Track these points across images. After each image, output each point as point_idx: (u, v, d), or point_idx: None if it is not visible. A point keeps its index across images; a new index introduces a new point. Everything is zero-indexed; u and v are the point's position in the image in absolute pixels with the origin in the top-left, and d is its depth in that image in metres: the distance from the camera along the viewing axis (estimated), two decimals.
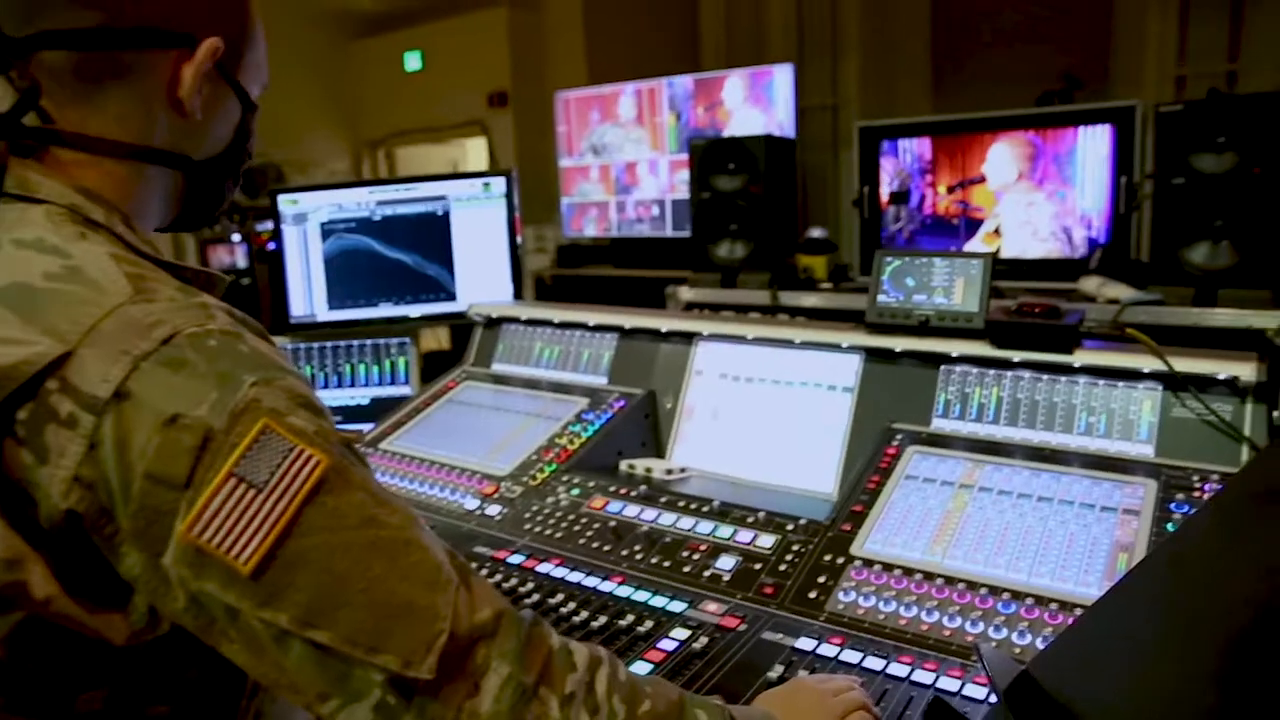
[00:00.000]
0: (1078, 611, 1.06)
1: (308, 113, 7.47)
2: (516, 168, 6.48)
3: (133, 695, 0.66)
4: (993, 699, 0.93)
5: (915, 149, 2.89)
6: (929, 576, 1.16)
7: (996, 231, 2.92)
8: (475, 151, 7.97)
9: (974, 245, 2.93)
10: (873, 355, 1.55)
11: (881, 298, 1.56)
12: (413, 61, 7.28)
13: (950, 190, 2.89)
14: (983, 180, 2.88)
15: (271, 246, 4.94)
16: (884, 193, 2.93)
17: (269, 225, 5.67)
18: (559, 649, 0.69)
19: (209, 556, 0.58)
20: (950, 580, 1.15)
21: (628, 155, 5.23)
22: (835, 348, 1.58)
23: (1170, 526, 1.16)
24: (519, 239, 2.20)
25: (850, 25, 5.21)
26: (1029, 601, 1.09)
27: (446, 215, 2.17)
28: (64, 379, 0.58)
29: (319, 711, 0.61)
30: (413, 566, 0.63)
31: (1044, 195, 2.78)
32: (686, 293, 3.03)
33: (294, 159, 7.37)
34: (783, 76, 4.65)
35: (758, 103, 4.77)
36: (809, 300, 2.83)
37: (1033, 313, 1.42)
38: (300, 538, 0.59)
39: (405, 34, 7.28)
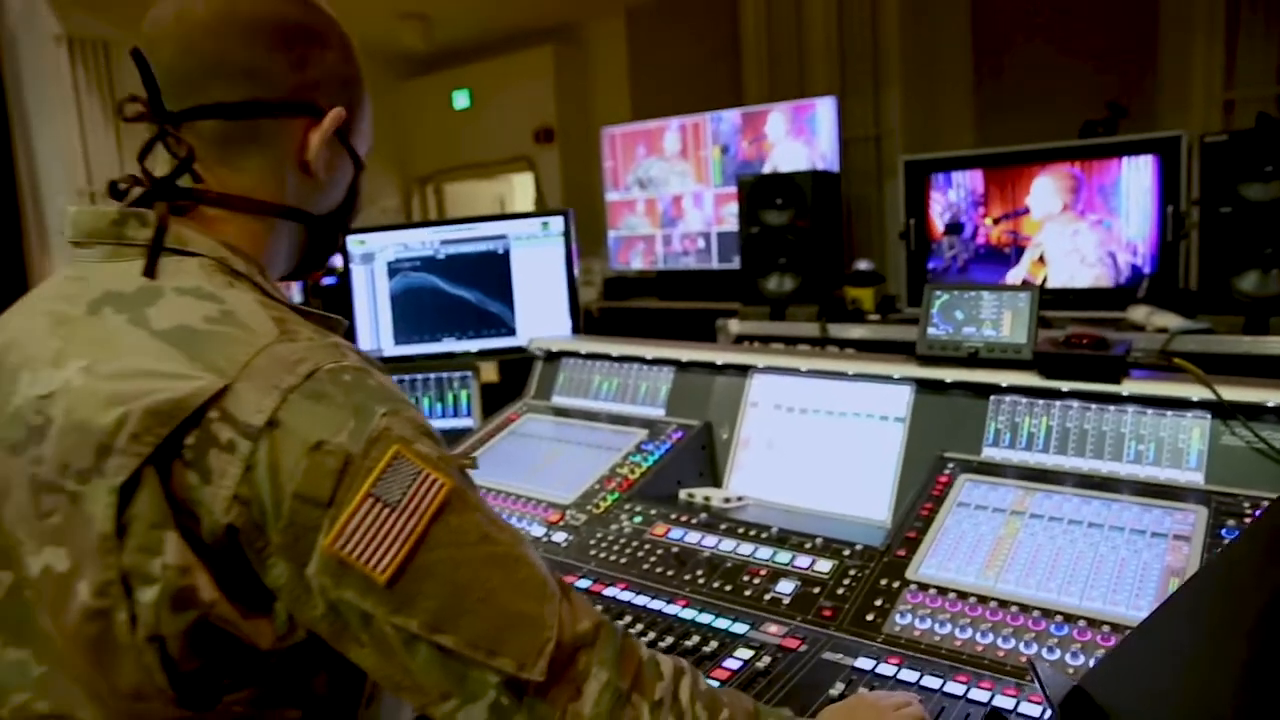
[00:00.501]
0: (1127, 633, 1.09)
1: None
2: (563, 202, 6.62)
3: (271, 698, 0.74)
4: (1048, 715, 0.98)
5: (967, 183, 2.94)
6: (983, 600, 1.20)
7: (1041, 260, 2.94)
8: (522, 187, 8.15)
9: (1019, 274, 2.96)
10: (923, 386, 1.60)
11: (931, 330, 1.61)
12: (461, 100, 7.48)
13: (997, 221, 2.93)
14: (1027, 211, 2.91)
15: (328, 282, 5.13)
16: (938, 224, 2.98)
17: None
18: (648, 659, 0.76)
19: (349, 567, 0.65)
20: (1004, 603, 1.19)
21: (673, 189, 5.33)
22: (887, 379, 1.64)
23: None
24: (575, 275, 2.29)
25: (892, 57, 5.27)
26: (1081, 624, 1.13)
27: (507, 253, 2.27)
28: (224, 409, 0.66)
29: (439, 711, 0.69)
30: (523, 580, 0.70)
31: (1088, 224, 2.81)
32: (736, 325, 3.09)
33: None
34: (825, 109, 4.73)
35: (800, 135, 4.85)
36: (857, 332, 2.88)
37: (1080, 344, 1.46)
38: (428, 552, 0.67)
39: (453, 73, 7.49)
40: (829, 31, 5.38)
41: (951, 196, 2.97)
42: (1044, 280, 2.90)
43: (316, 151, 0.81)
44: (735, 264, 4.97)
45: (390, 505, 0.66)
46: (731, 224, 5.08)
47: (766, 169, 4.81)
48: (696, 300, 4.92)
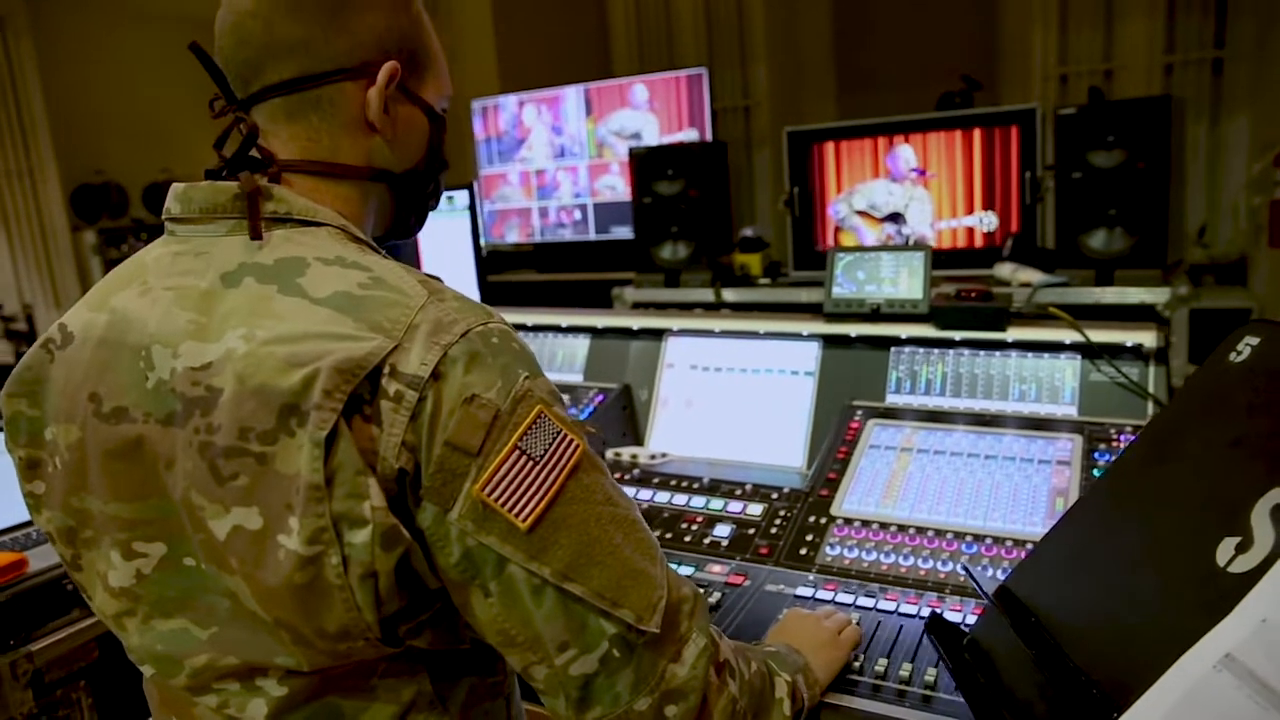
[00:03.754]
0: (1028, 545, 1.26)
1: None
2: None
3: (441, 639, 0.78)
4: (970, 619, 1.12)
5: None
6: (901, 528, 1.34)
7: (902, 218, 3.18)
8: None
9: (893, 230, 3.19)
10: (830, 341, 1.73)
11: (836, 289, 1.74)
12: None
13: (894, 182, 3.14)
14: (897, 176, 3.13)
15: None
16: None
17: None
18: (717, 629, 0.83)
19: (494, 513, 0.69)
20: (920, 529, 1.33)
21: (546, 161, 5.35)
22: (797, 336, 1.76)
23: (1096, 472, 1.37)
24: (482, 247, 2.31)
25: (758, 30, 5.45)
26: (988, 541, 1.29)
27: None
28: (394, 366, 0.69)
29: (548, 664, 0.73)
30: (640, 541, 0.76)
31: (947, 188, 3.04)
32: (632, 293, 3.18)
33: None
34: (696, 80, 4.85)
35: (670, 105, 4.96)
36: (750, 295, 3.02)
37: (970, 297, 1.62)
38: (565, 505, 0.72)
39: None
40: (696, 4, 5.51)
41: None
42: (912, 241, 3.13)
43: (377, 109, 0.81)
44: (614, 234, 5.06)
45: (534, 459, 0.71)
46: (606, 195, 5.15)
47: (625, 140, 4.89)
48: (576, 272, 4.98)
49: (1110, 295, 2.41)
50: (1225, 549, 0.76)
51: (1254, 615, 0.69)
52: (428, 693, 0.80)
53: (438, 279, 0.81)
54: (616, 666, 0.73)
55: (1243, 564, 0.74)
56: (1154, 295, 2.35)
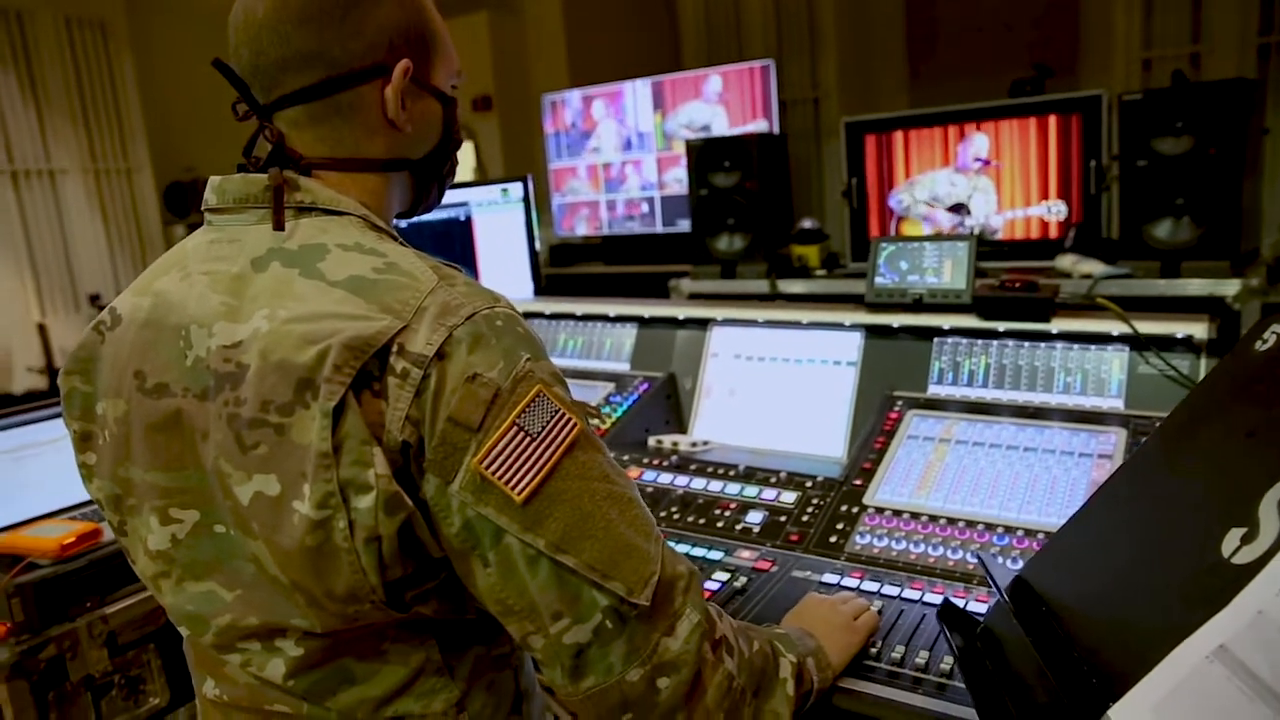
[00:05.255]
0: None
1: None
2: (504, 171, 6.63)
3: (445, 609, 0.83)
4: (994, 603, 1.11)
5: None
6: (933, 518, 1.34)
7: (965, 208, 3.11)
8: (461, 156, 8.09)
9: (956, 220, 3.13)
10: (872, 332, 1.73)
11: (879, 279, 1.74)
12: None
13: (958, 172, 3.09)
14: (962, 166, 3.07)
15: None
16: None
17: None
18: (713, 606, 0.86)
19: (491, 485, 0.73)
20: (952, 520, 1.33)
21: (615, 154, 5.39)
22: (839, 326, 1.76)
23: None
24: (536, 238, 2.36)
25: (827, 21, 5.39)
26: (1020, 533, 1.27)
27: (469, 220, 2.33)
28: (401, 344, 0.74)
29: (545, 634, 0.76)
30: (635, 517, 0.79)
31: (1012, 178, 2.97)
32: (688, 285, 3.20)
33: None
34: (764, 72, 4.83)
35: (741, 98, 4.94)
36: (805, 287, 3.01)
37: (1014, 288, 1.60)
38: (560, 480, 0.75)
39: None
40: None
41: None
42: (977, 232, 3.07)
43: (394, 107, 0.85)
44: (680, 227, 5.07)
45: (531, 435, 0.74)
46: (674, 188, 5.17)
47: (699, 132, 4.89)
48: (643, 264, 5.01)
49: (1175, 287, 2.33)
50: (1231, 540, 0.75)
51: (1250, 607, 0.68)
52: (436, 660, 0.84)
53: (455, 267, 0.85)
54: (609, 637, 0.76)
55: (1246, 555, 0.73)
56: (1222, 287, 2.26)
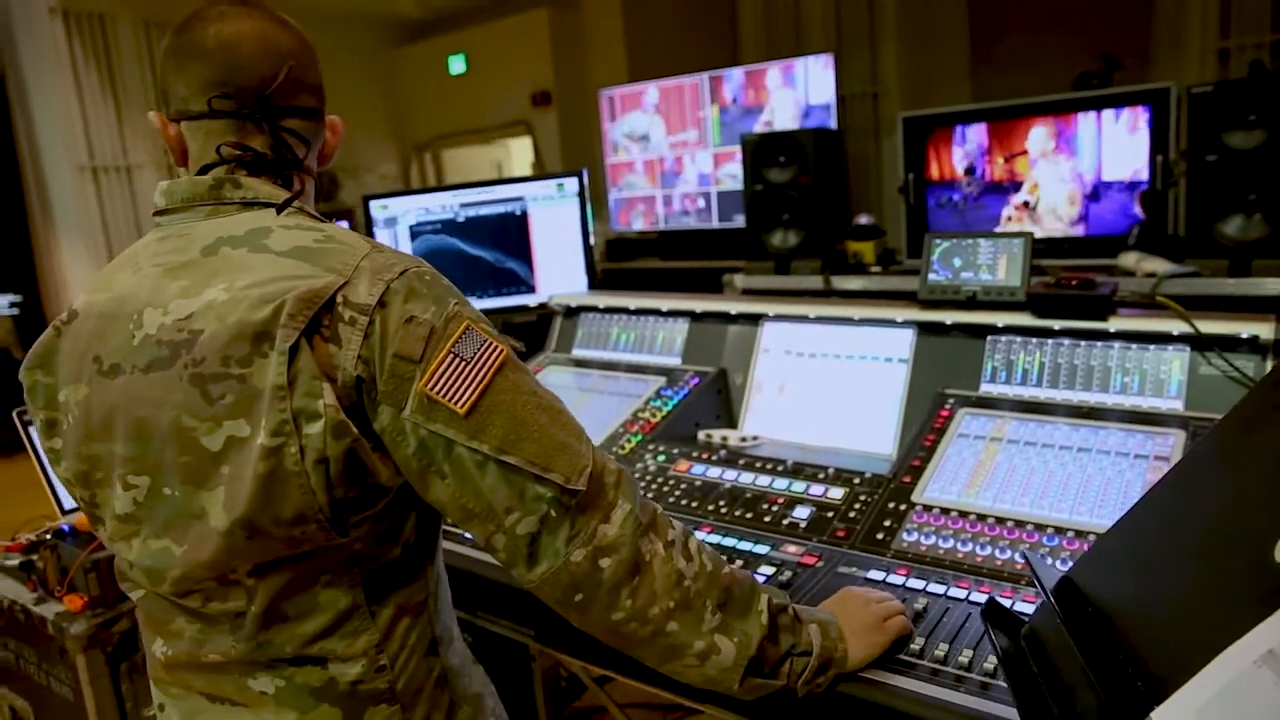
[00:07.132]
0: None
1: (357, 119, 7.73)
2: (562, 166, 6.67)
3: (382, 534, 0.94)
4: (1041, 603, 1.10)
5: (977, 137, 3.07)
6: (982, 517, 1.33)
7: (1035, 187, 3.06)
8: (520, 151, 8.18)
9: (1019, 198, 3.09)
10: (925, 329, 1.71)
11: (932, 276, 1.72)
12: (457, 65, 7.50)
13: (1007, 160, 3.07)
14: (1025, 153, 3.02)
15: None
16: (958, 168, 3.14)
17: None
18: (661, 512, 0.97)
19: (438, 403, 0.86)
20: (1000, 520, 1.31)
21: (671, 150, 5.40)
22: (890, 323, 1.75)
23: None
24: (590, 232, 2.39)
25: (888, 14, 5.31)
26: (1070, 535, 1.26)
27: (524, 214, 2.37)
28: (345, 296, 0.86)
29: (501, 529, 0.89)
30: (564, 424, 0.92)
31: (1073, 166, 2.90)
32: (742, 280, 3.20)
33: (346, 165, 7.65)
34: (823, 66, 4.78)
35: (798, 93, 4.91)
36: (859, 283, 2.99)
37: (1070, 285, 1.57)
38: (495, 394, 0.88)
39: (448, 38, 7.50)
40: None
41: (968, 147, 3.10)
42: (1037, 202, 3.02)
43: (334, 145, 1.08)
44: (735, 223, 5.06)
45: (466, 360, 0.87)
46: (729, 184, 5.16)
47: (759, 128, 4.87)
48: (698, 259, 5.01)
49: (1245, 286, 2.26)
50: None
51: None
52: (361, 605, 0.95)
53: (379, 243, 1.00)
54: (555, 525, 0.89)
55: None
56: None
